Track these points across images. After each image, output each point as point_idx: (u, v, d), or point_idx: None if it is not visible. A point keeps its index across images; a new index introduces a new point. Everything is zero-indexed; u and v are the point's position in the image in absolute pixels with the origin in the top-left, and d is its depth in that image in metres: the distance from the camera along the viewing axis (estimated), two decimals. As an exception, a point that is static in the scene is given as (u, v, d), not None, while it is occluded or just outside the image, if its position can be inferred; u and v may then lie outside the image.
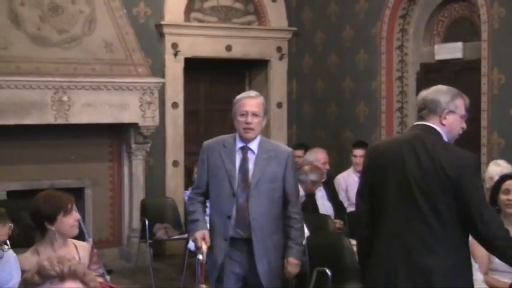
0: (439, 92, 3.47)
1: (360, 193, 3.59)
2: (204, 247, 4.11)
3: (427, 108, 3.44)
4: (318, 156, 6.92)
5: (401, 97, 8.01)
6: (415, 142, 3.39)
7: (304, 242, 4.51)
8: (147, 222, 7.15)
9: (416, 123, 3.55)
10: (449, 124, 3.44)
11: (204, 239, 4.16)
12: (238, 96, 4.31)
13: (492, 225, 3.27)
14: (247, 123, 4.17)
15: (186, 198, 6.87)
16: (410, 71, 7.99)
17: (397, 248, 3.34)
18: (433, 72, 7.73)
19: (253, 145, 4.24)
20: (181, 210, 7.73)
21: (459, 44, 7.40)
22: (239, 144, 4.25)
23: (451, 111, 3.44)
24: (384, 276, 3.37)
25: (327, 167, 6.96)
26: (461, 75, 7.30)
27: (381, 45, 8.04)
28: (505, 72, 6.73)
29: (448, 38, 7.72)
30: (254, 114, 4.18)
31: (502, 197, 4.28)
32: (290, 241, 4.28)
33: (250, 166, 4.21)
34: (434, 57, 7.71)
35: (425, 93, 3.50)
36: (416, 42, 7.97)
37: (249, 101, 4.22)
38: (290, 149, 4.52)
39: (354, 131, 8.44)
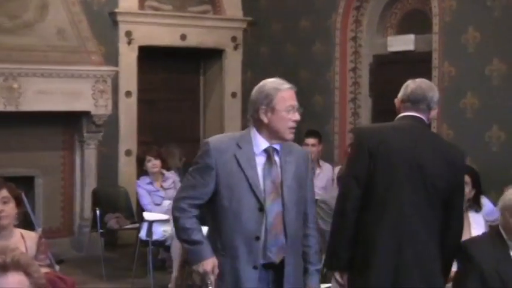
0: (433, 90, 3.57)
1: (356, 176, 3.47)
2: (213, 278, 3.22)
3: (426, 104, 3.50)
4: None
5: (355, 88, 8.08)
6: (422, 134, 3.51)
7: None
8: (98, 211, 7.09)
9: (407, 114, 3.54)
10: None
11: (213, 271, 3.23)
12: (271, 85, 3.34)
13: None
14: (295, 121, 3.31)
15: (138, 187, 6.85)
16: (363, 62, 8.05)
17: (405, 235, 3.38)
18: (386, 64, 7.81)
19: (277, 144, 3.36)
20: (133, 200, 7.67)
21: (411, 36, 7.48)
22: (263, 145, 3.32)
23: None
24: (392, 266, 3.36)
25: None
26: (413, 67, 7.38)
27: (335, 36, 8.08)
28: (456, 65, 6.84)
29: (401, 30, 7.81)
30: (297, 109, 3.35)
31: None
32: (310, 266, 3.44)
33: (279, 171, 3.32)
34: (387, 49, 7.79)
35: (423, 87, 3.53)
36: (370, 34, 8.04)
37: (292, 93, 3.35)
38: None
39: (309, 121, 8.45)
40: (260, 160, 3.31)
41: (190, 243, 3.29)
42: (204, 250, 3.26)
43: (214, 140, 3.35)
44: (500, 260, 3.36)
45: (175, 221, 3.39)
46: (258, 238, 3.24)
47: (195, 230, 3.29)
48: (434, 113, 3.58)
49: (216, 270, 3.23)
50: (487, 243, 3.45)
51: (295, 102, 3.31)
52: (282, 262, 3.30)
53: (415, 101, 3.50)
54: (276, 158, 3.34)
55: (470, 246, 3.44)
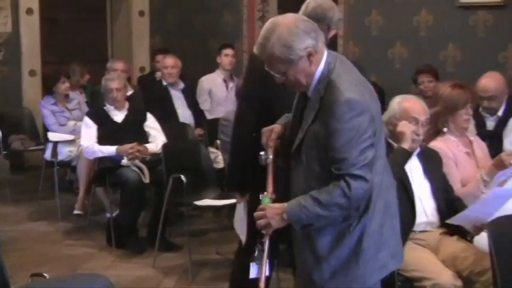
0: (334, 10, 3.46)
1: (248, 99, 3.44)
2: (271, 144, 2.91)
3: (326, 24, 3.37)
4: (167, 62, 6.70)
5: (263, 6, 8.02)
6: None
7: None
8: (1, 133, 6.87)
9: None
10: None
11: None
12: None
13: None
14: None
15: (42, 108, 6.67)
16: (272, -20, 7.98)
17: None
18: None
19: None
20: (38, 122, 7.46)
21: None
22: None
23: None
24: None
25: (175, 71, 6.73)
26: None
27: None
28: (362, -18, 6.87)
29: None
30: None
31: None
32: None
33: None
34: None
35: (324, 7, 3.43)
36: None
37: None
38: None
39: (218, 39, 8.38)
40: None
41: None
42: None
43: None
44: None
45: None
46: None
47: None
48: (332, 33, 3.46)
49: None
50: None
51: None
52: None
53: (315, 19, 3.40)
54: None
55: None
